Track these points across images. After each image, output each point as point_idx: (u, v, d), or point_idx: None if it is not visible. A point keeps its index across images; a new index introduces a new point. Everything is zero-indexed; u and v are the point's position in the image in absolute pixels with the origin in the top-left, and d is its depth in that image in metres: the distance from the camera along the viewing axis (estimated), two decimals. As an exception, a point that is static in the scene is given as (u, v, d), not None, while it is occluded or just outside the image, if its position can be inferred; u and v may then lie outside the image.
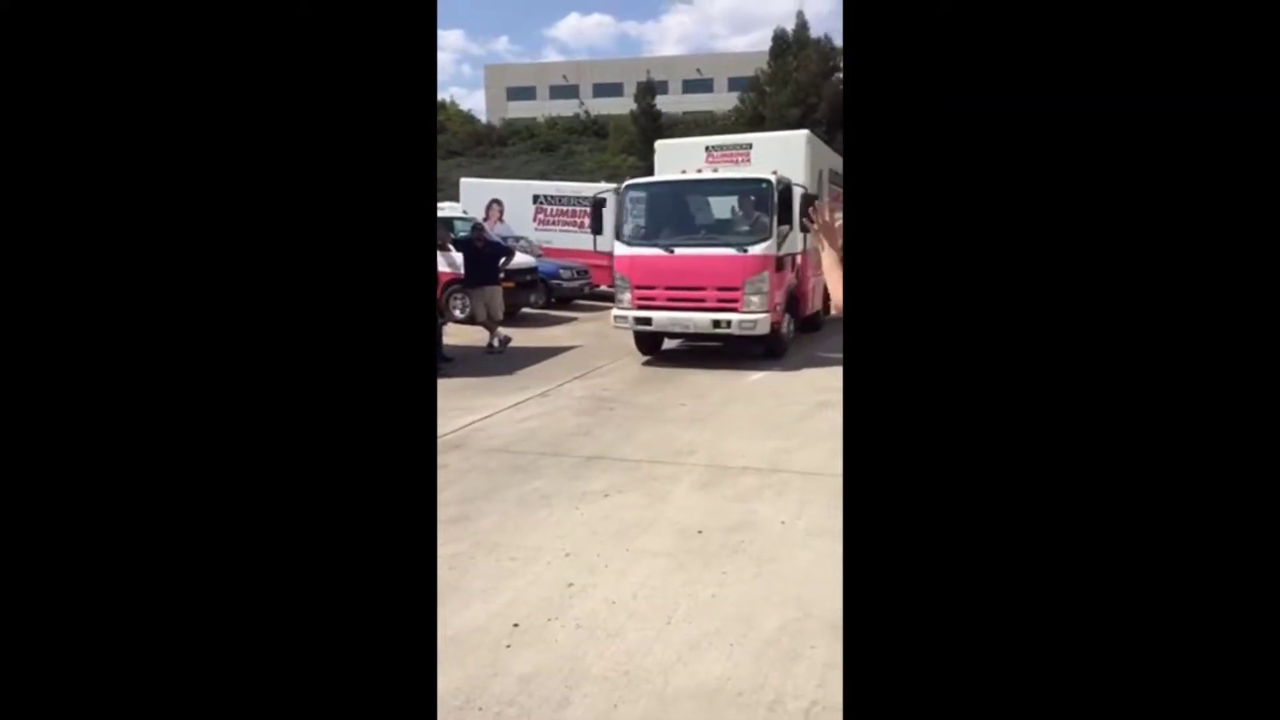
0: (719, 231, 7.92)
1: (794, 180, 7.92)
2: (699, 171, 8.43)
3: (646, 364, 7.96)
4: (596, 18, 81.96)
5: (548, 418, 5.74)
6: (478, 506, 3.88)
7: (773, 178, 7.56)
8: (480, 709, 2.21)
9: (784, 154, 8.57)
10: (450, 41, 78.29)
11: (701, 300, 7.54)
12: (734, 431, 5.25)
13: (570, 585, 2.99)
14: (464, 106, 46.19)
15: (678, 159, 8.99)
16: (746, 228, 7.69)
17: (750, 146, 9.02)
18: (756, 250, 7.41)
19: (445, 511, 3.80)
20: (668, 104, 34.97)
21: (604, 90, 42.13)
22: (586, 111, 37.35)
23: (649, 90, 33.25)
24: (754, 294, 7.36)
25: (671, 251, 7.63)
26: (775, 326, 7.58)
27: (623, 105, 34.70)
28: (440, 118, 41.06)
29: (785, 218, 7.53)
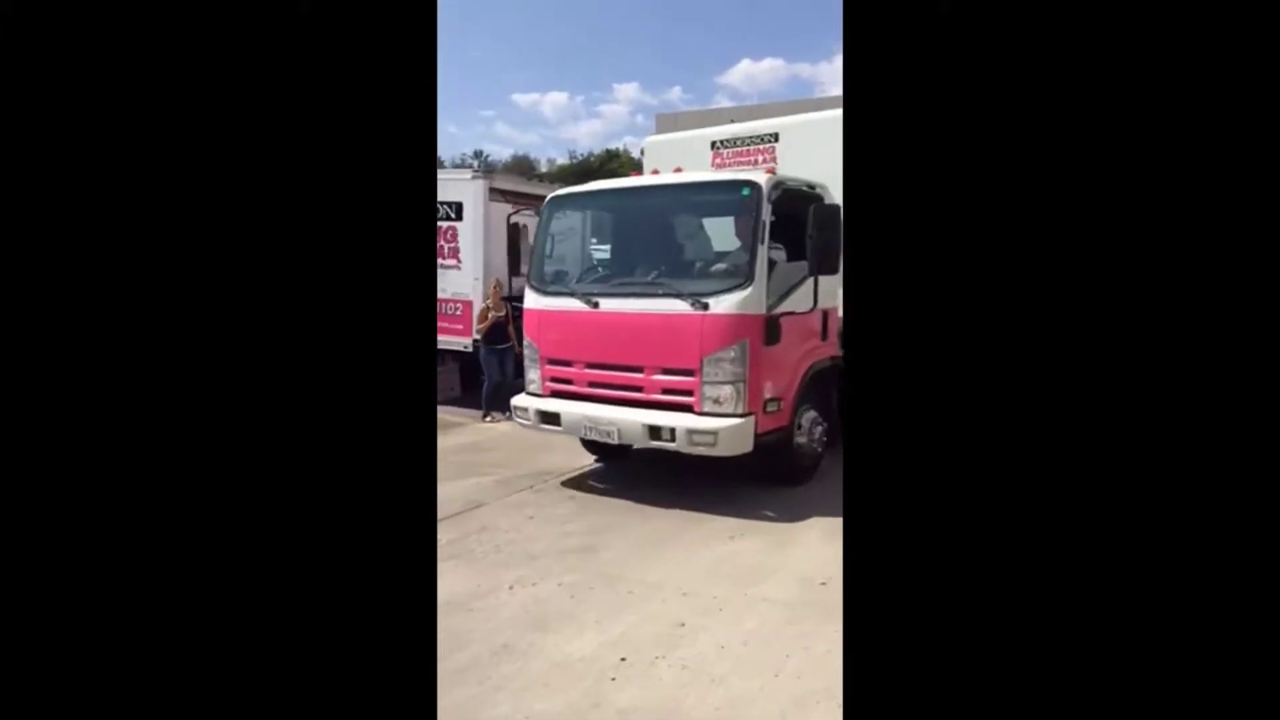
0: (674, 274, 4.66)
1: (820, 184, 4.85)
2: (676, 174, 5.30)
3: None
4: (768, 62, 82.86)
5: (677, 456, 5.75)
6: (603, 538, 3.97)
7: (762, 180, 4.42)
8: (576, 737, 2.25)
9: (822, 145, 5.09)
10: (626, 94, 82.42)
11: (638, 388, 4.51)
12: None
13: (682, 625, 2.97)
14: (635, 155, 48.43)
15: (672, 160, 5.90)
16: (723, 266, 4.55)
17: (775, 138, 5.86)
18: (725, 304, 4.23)
19: (572, 541, 3.93)
20: (836, 146, 34.48)
21: (771, 134, 42.36)
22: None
23: (816, 132, 33.00)
24: (721, 381, 4.22)
25: (595, 305, 4.65)
26: (770, 436, 4.40)
27: (789, 148, 34.67)
28: (614, 165, 43.25)
29: (802, 250, 4.47)
